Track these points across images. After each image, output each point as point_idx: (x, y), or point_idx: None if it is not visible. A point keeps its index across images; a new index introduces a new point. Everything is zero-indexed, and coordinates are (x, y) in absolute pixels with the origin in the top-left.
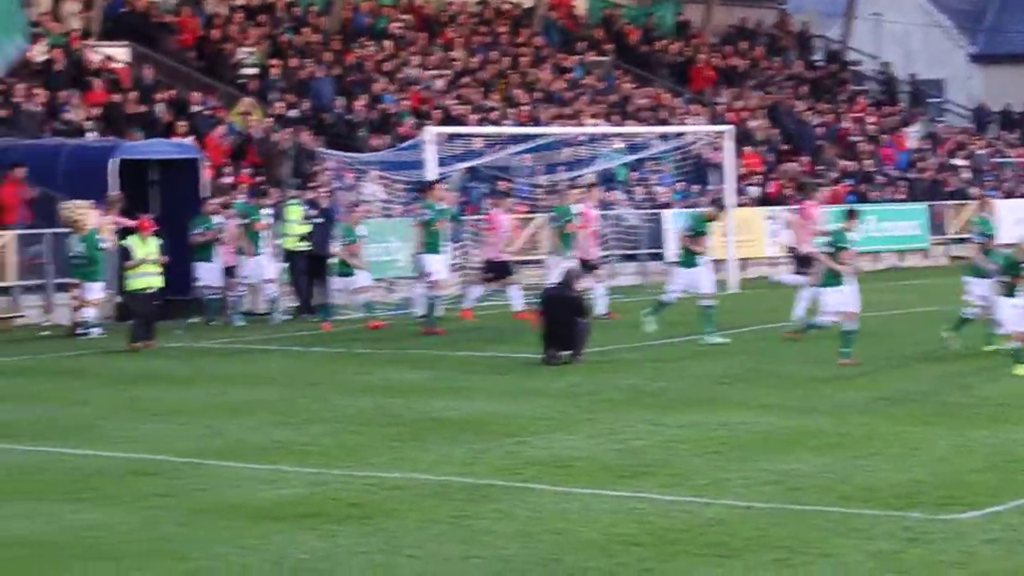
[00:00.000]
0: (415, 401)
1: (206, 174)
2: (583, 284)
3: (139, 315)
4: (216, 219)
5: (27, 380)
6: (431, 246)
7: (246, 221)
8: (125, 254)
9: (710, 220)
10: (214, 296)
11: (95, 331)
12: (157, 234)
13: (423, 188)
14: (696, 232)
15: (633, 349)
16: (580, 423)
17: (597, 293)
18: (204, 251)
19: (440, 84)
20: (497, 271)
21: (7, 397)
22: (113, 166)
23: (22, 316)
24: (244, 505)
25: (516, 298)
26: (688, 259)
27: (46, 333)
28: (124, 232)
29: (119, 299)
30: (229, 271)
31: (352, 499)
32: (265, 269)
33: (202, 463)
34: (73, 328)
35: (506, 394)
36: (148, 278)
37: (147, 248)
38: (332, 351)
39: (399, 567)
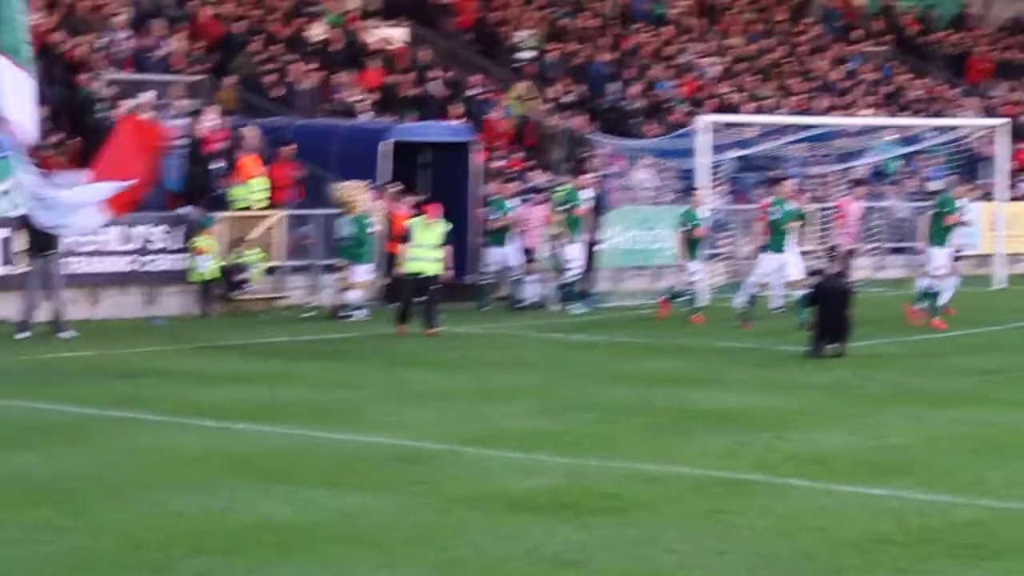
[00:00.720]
0: (675, 391)
1: (478, 157)
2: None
3: (408, 299)
4: (510, 203)
5: (288, 362)
6: (775, 245)
7: (567, 207)
8: (405, 236)
9: None
10: (491, 281)
11: (359, 313)
12: (446, 219)
13: (773, 183)
14: None
15: (899, 344)
16: (841, 418)
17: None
18: (498, 235)
19: (716, 71)
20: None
21: (268, 379)
22: (386, 148)
23: (287, 297)
24: (501, 494)
25: None
26: None
27: (310, 314)
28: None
29: (386, 282)
30: (528, 255)
31: (609, 490)
32: (577, 258)
33: (461, 450)
34: (335, 310)
35: (767, 387)
36: (422, 263)
37: (429, 234)
38: (593, 339)
39: (656, 561)
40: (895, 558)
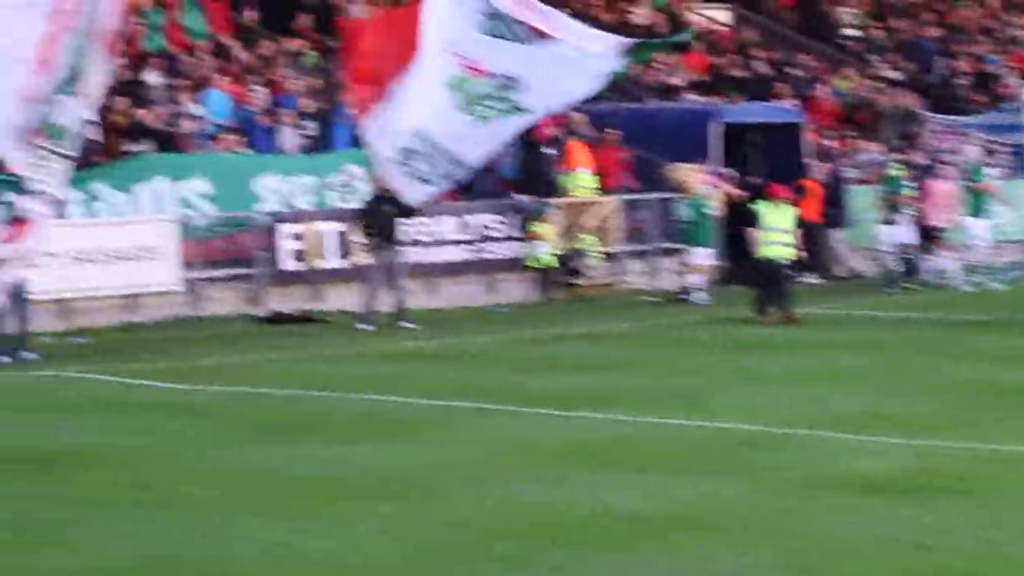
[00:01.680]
0: (1021, 370)
1: (809, 138)
2: None
3: (767, 285)
4: (905, 183)
5: (631, 347)
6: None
7: (971, 183)
8: (753, 220)
9: None
10: (894, 263)
11: (700, 297)
12: (793, 203)
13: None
14: None
15: None
16: None
17: None
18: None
19: None
20: None
21: (610, 365)
22: (718, 130)
23: (627, 282)
24: (847, 478)
25: None
26: None
27: (650, 299)
28: (755, 197)
29: (725, 264)
30: (926, 233)
31: (956, 472)
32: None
33: (807, 433)
34: (677, 294)
35: None
36: (778, 247)
37: (779, 216)
38: (945, 318)
39: (1007, 545)
40: None
